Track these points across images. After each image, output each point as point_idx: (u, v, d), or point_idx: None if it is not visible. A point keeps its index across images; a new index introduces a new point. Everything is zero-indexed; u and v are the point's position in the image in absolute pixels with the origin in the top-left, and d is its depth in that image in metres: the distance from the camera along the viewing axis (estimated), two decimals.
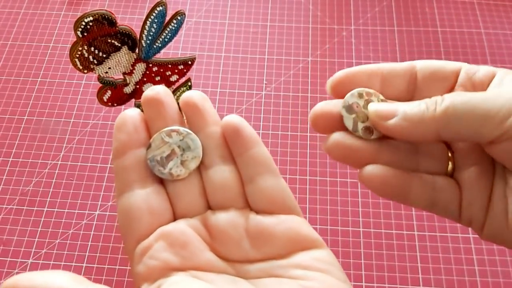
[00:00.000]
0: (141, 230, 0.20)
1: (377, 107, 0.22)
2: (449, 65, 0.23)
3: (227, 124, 0.22)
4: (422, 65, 0.23)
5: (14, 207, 0.45)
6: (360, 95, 0.23)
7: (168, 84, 0.42)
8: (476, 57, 0.55)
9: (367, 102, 0.22)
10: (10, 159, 0.48)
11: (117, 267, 0.42)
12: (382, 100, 0.23)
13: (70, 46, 0.35)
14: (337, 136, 0.22)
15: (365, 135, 0.22)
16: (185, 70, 0.42)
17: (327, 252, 0.21)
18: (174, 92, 0.44)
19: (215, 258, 0.20)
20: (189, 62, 0.42)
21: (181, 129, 0.22)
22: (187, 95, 0.22)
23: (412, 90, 0.23)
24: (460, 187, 0.22)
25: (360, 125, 0.22)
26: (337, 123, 0.22)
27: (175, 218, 0.21)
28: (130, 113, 0.22)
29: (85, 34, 0.34)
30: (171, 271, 0.19)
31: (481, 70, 0.22)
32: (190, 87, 0.44)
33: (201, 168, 0.22)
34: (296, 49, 0.56)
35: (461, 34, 0.56)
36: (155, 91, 0.22)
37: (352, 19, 0.58)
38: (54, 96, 0.52)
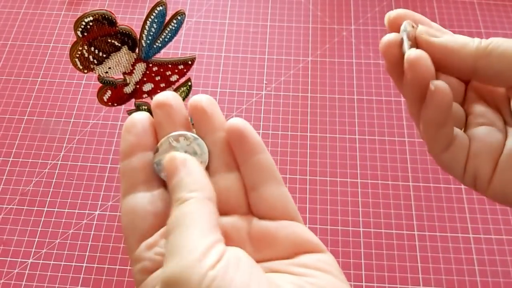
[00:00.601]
0: (144, 230, 0.20)
1: (427, 28, 0.23)
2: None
3: (231, 128, 0.22)
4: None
5: (14, 207, 0.45)
6: (412, 26, 0.24)
7: (168, 84, 0.42)
8: None
9: (415, 29, 0.24)
10: (10, 159, 0.48)
11: (117, 267, 0.42)
12: None
13: (70, 46, 0.35)
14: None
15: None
16: (185, 70, 0.42)
17: (329, 255, 0.21)
18: (174, 91, 0.44)
19: None
20: (189, 62, 0.42)
21: (189, 134, 0.22)
22: (196, 99, 0.22)
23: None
24: (470, 140, 0.23)
25: (410, 50, 0.23)
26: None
27: None
28: (139, 116, 0.22)
29: (85, 34, 0.34)
30: None
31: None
32: (190, 87, 0.44)
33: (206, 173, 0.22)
34: (296, 49, 0.56)
35: (461, 34, 0.56)
36: (165, 96, 0.22)
37: (352, 19, 0.58)
38: (54, 96, 0.52)
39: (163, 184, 0.22)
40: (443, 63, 0.23)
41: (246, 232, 0.21)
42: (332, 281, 0.20)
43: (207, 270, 0.17)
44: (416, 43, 0.24)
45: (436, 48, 0.22)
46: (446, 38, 0.23)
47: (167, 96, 0.22)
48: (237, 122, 0.22)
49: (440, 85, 0.21)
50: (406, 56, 0.23)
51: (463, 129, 0.24)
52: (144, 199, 0.21)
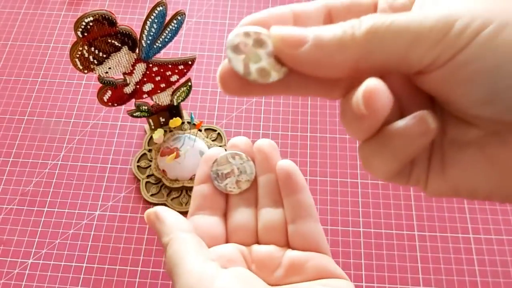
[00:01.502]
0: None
1: (282, 31, 0.17)
2: None
3: (281, 168, 0.26)
4: (335, 1, 0.20)
5: (15, 207, 0.45)
6: (247, 35, 0.18)
7: (169, 84, 0.42)
8: None
9: (257, 41, 0.18)
10: (11, 159, 0.48)
11: (117, 267, 0.42)
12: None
13: (71, 46, 0.35)
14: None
15: (261, 78, 0.18)
16: (185, 70, 0.42)
17: (349, 282, 0.24)
18: (174, 92, 0.44)
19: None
20: (189, 62, 0.42)
21: (244, 155, 0.26)
22: (260, 143, 0.27)
23: None
24: None
25: (253, 67, 0.18)
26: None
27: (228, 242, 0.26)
28: (216, 151, 0.27)
29: (86, 34, 0.34)
30: None
31: None
32: (190, 87, 0.44)
33: (257, 206, 0.26)
34: None
35: None
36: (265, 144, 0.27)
37: None
38: (54, 96, 0.52)
39: (223, 213, 0.26)
40: (318, 72, 0.17)
41: (279, 260, 0.24)
42: None
43: (215, 274, 0.21)
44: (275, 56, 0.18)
45: (304, 64, 0.17)
46: (312, 43, 0.17)
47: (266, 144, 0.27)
48: (287, 163, 0.26)
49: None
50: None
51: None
52: (207, 221, 0.25)
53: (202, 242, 0.23)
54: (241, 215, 0.26)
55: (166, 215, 0.24)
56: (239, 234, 0.26)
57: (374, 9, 0.19)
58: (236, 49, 0.18)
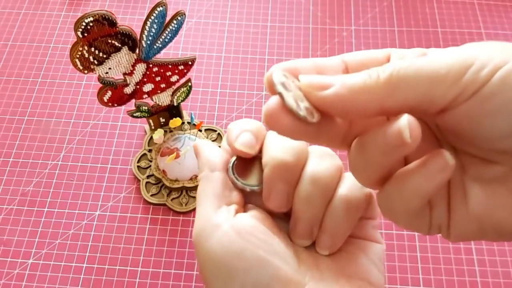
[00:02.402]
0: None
1: (311, 77, 0.19)
2: (377, 53, 0.21)
3: None
4: (351, 57, 0.21)
5: (15, 207, 0.45)
6: (286, 76, 0.19)
7: (169, 84, 0.42)
8: None
9: (293, 82, 0.19)
10: (11, 160, 0.48)
11: (117, 267, 0.42)
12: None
13: (71, 46, 0.35)
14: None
15: (309, 116, 0.18)
16: (185, 71, 0.42)
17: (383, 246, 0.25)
18: (174, 92, 0.44)
19: None
20: (190, 63, 0.42)
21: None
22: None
23: None
24: None
25: (302, 104, 0.18)
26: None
27: None
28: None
29: (86, 34, 0.34)
30: None
31: (411, 51, 0.20)
32: (190, 88, 0.44)
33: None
34: (297, 49, 0.56)
35: (461, 35, 0.56)
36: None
37: (353, 20, 0.58)
38: (54, 96, 0.52)
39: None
40: (344, 113, 0.18)
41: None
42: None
43: (213, 216, 0.22)
44: (303, 96, 0.19)
45: (329, 104, 0.18)
46: (339, 86, 0.18)
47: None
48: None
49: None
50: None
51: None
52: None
53: (228, 182, 0.24)
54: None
55: (203, 149, 0.25)
56: None
57: (387, 62, 0.20)
58: (284, 86, 0.19)
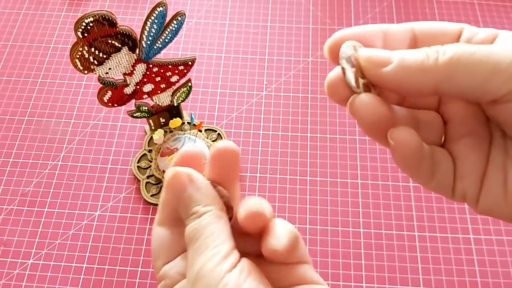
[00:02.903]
0: (170, 255, 0.23)
1: (369, 52, 0.19)
2: (449, 26, 0.21)
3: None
4: (421, 27, 0.21)
5: (15, 207, 0.45)
6: (355, 48, 0.20)
7: (169, 84, 0.42)
8: None
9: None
10: (11, 160, 0.48)
11: (117, 267, 0.42)
12: None
13: (71, 46, 0.35)
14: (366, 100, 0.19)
15: (365, 90, 0.19)
16: (185, 71, 0.42)
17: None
18: (174, 92, 0.44)
19: None
20: (190, 63, 0.42)
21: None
22: (220, 148, 0.22)
23: None
24: (454, 159, 0.21)
25: (361, 81, 0.19)
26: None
27: None
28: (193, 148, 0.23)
29: (86, 34, 0.34)
30: None
31: (483, 31, 0.20)
32: (190, 88, 0.44)
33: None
34: (297, 50, 0.56)
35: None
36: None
37: (353, 20, 0.58)
38: (54, 96, 0.52)
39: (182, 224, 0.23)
40: (400, 91, 0.19)
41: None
42: None
43: (226, 272, 0.19)
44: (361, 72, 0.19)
45: (386, 82, 0.19)
46: (396, 63, 0.18)
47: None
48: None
49: (399, 137, 0.19)
50: (348, 106, 0.19)
51: (442, 140, 0.22)
52: (173, 230, 0.23)
53: (230, 231, 0.21)
54: None
55: (203, 181, 0.21)
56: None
57: (458, 38, 0.20)
58: (348, 60, 0.19)
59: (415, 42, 0.21)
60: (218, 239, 0.20)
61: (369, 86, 0.19)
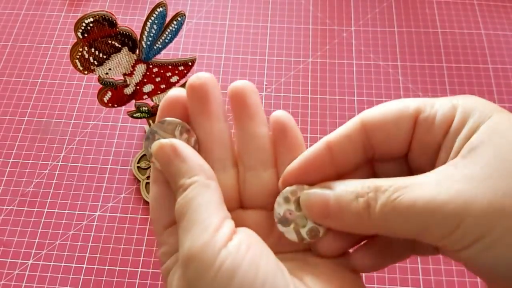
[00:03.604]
0: (170, 217, 0.21)
1: (307, 202, 0.20)
2: (404, 115, 0.20)
3: (275, 121, 0.23)
4: (371, 121, 0.20)
5: (15, 208, 0.45)
6: (287, 200, 0.21)
7: (169, 85, 0.42)
8: (476, 58, 0.55)
9: (298, 202, 0.20)
10: (11, 160, 0.48)
11: (117, 268, 0.42)
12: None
13: (71, 47, 0.35)
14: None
15: (313, 238, 0.20)
16: (185, 71, 0.42)
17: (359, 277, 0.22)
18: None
19: None
20: (190, 63, 0.42)
21: (194, 139, 0.22)
22: (236, 87, 0.22)
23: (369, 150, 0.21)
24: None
25: (304, 231, 0.20)
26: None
27: None
28: (177, 96, 0.22)
29: (86, 35, 0.34)
30: None
31: (440, 114, 0.19)
32: None
33: (239, 166, 0.22)
34: (296, 50, 0.56)
35: (461, 35, 0.56)
36: (201, 79, 0.21)
37: (352, 20, 0.58)
38: (54, 97, 0.52)
39: None
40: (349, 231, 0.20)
41: (270, 228, 0.22)
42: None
43: (220, 248, 0.17)
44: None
45: (333, 227, 0.20)
46: (335, 217, 0.19)
47: (204, 80, 0.22)
48: (281, 115, 0.23)
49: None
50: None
51: None
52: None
53: (222, 199, 0.20)
54: (219, 179, 0.21)
55: (189, 152, 0.20)
56: None
57: (413, 127, 0.20)
58: (284, 221, 0.20)
59: (368, 140, 0.20)
60: (206, 211, 0.18)
61: (316, 229, 0.20)
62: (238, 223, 0.20)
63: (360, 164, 0.21)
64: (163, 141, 0.20)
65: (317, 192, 0.19)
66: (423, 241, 0.18)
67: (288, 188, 0.21)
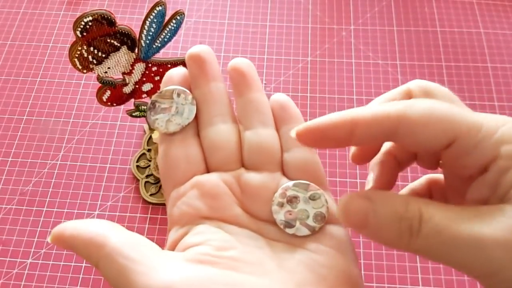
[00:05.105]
0: (178, 177, 0.22)
1: (347, 210, 0.18)
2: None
3: (275, 100, 0.23)
4: (411, 119, 0.19)
5: (14, 207, 0.45)
6: (281, 205, 0.21)
7: None
8: (476, 57, 0.55)
9: (290, 199, 0.21)
10: (9, 159, 0.48)
11: None
12: (311, 191, 0.22)
13: (70, 46, 0.35)
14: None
15: (321, 220, 0.21)
16: None
17: (343, 229, 0.22)
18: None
19: (242, 213, 0.21)
20: None
21: (190, 96, 0.23)
22: (236, 61, 0.24)
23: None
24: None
25: (310, 221, 0.21)
26: None
27: (209, 170, 0.22)
28: (176, 71, 0.23)
29: (85, 34, 0.34)
30: (200, 219, 0.21)
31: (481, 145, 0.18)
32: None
33: (240, 127, 0.23)
34: (296, 49, 0.56)
35: (460, 34, 0.56)
36: (198, 49, 0.23)
37: (352, 19, 0.58)
38: (53, 95, 0.52)
39: (196, 132, 0.23)
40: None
41: (274, 189, 0.22)
42: (338, 260, 0.20)
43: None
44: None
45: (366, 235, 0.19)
46: (373, 233, 0.18)
47: (200, 49, 0.23)
48: (281, 97, 0.23)
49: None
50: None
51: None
52: (179, 147, 0.22)
53: (139, 239, 0.19)
54: (219, 131, 0.22)
55: (70, 226, 0.20)
56: (219, 156, 0.22)
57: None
58: (289, 223, 0.21)
59: (399, 136, 0.19)
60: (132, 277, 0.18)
61: (322, 215, 0.21)
62: (242, 184, 0.21)
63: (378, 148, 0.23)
64: (54, 229, 0.20)
65: (358, 202, 0.18)
66: (465, 273, 0.18)
67: (276, 194, 0.21)
